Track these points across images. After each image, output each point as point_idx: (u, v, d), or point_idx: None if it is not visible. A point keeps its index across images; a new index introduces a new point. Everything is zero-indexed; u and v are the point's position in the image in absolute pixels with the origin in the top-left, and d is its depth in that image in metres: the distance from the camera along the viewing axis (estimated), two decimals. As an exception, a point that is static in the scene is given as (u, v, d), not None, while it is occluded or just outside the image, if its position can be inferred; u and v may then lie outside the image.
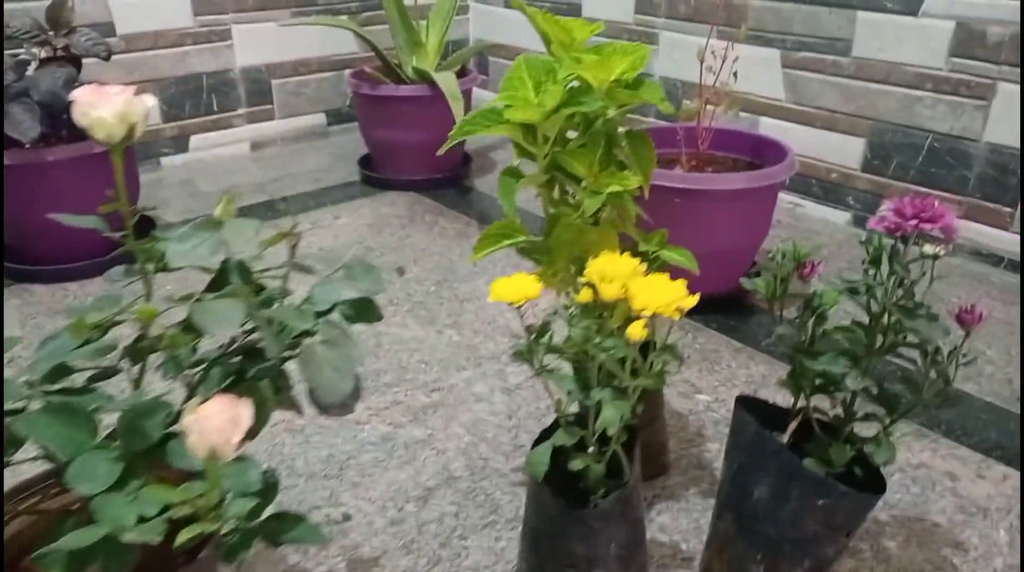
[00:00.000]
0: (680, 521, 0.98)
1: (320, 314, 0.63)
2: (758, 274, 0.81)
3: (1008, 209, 1.56)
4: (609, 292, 0.71)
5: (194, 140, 2.22)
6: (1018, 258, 1.57)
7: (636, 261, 0.75)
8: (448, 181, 2.05)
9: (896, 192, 1.71)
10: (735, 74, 1.39)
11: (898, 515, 0.99)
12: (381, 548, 0.94)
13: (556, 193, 0.92)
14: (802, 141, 1.84)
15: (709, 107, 1.44)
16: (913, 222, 0.68)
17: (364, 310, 0.68)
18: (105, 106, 0.62)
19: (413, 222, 1.85)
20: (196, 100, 2.19)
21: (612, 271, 0.73)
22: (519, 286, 0.73)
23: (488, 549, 0.94)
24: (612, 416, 0.70)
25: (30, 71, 1.44)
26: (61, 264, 1.54)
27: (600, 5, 2.20)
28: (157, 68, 2.10)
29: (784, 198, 1.94)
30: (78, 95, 0.60)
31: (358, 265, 0.67)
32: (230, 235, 0.61)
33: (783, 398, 1.19)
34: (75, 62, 1.46)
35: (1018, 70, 1.48)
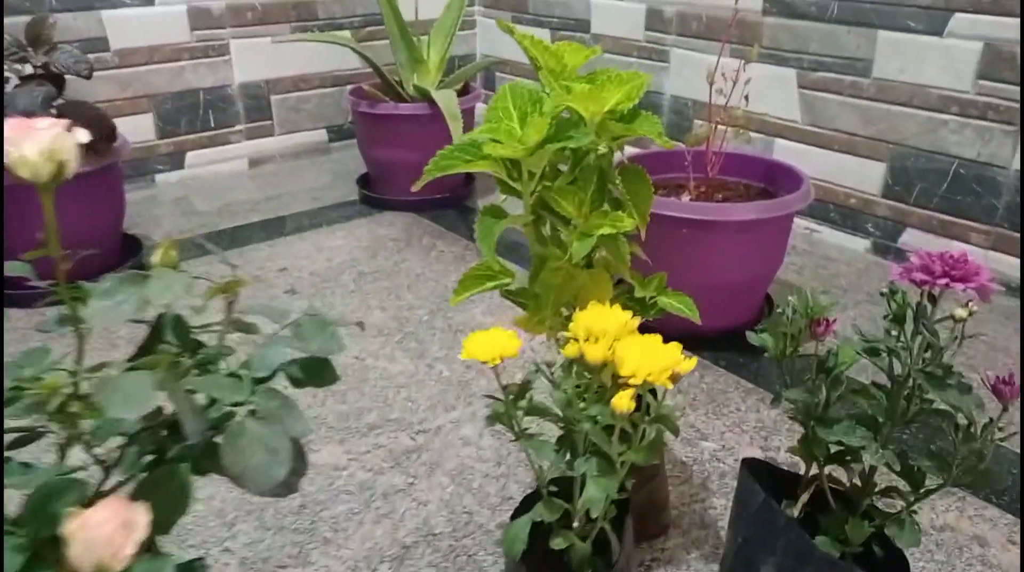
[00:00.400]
0: (680, 590, 0.90)
1: (260, 381, 0.55)
2: (764, 329, 0.73)
3: (1039, 240, 1.46)
4: (594, 354, 0.63)
5: (190, 157, 2.17)
6: (1050, 293, 1.47)
7: (627, 315, 0.67)
8: (448, 202, 1.98)
9: (919, 220, 1.62)
10: (746, 97, 1.31)
11: (921, 587, 0.90)
12: (350, 616, 0.86)
13: (546, 230, 0.84)
14: (819, 164, 1.75)
15: (720, 130, 1.36)
16: (943, 281, 0.59)
17: (316, 371, 0.60)
18: (28, 143, 0.55)
19: (410, 245, 1.77)
20: (193, 116, 2.13)
21: (599, 327, 0.65)
22: (495, 342, 0.65)
23: (467, 620, 0.86)
24: (596, 495, 0.62)
25: (8, 89, 1.38)
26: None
27: (609, 21, 2.12)
28: (152, 83, 2.05)
29: (799, 223, 1.85)
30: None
31: (309, 322, 0.60)
32: (155, 292, 0.53)
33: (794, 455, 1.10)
34: (56, 80, 1.40)
35: (1051, 93, 1.38)
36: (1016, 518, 1.00)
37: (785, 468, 0.80)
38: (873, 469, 0.71)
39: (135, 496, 0.51)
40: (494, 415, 0.68)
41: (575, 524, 0.70)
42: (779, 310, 0.71)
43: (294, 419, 0.54)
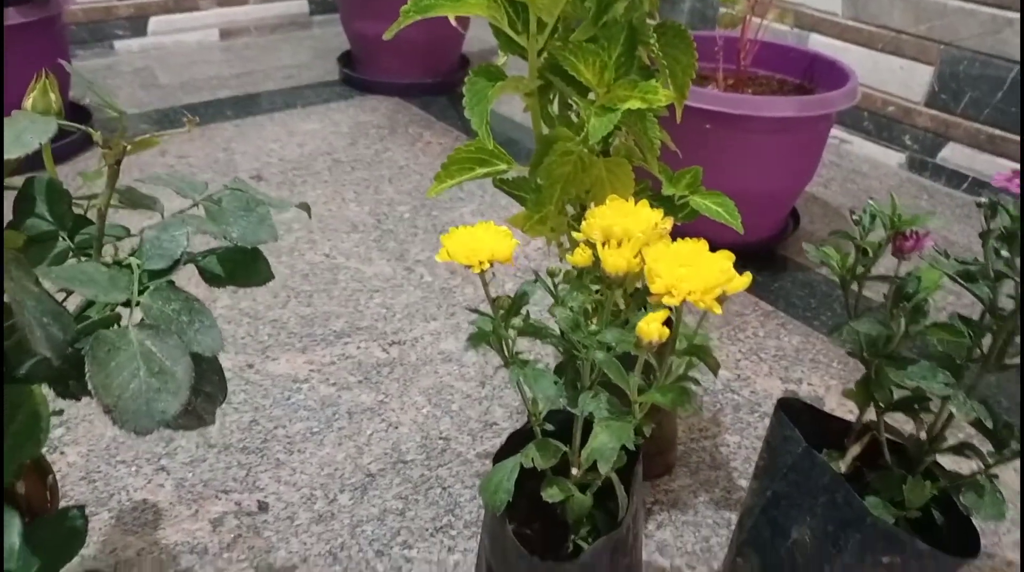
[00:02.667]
0: (685, 539, 0.78)
1: (155, 275, 0.40)
2: (824, 242, 0.57)
3: (1101, 162, 1.30)
4: (616, 262, 0.47)
5: (153, 23, 1.94)
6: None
7: (657, 215, 0.51)
8: (440, 87, 1.77)
9: (964, 134, 1.44)
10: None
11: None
12: (300, 553, 0.73)
13: (554, 107, 0.67)
14: (858, 65, 1.55)
15: (755, 15, 1.17)
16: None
17: (241, 266, 0.45)
18: None
19: (394, 133, 1.59)
20: (155, -26, 1.90)
21: (622, 227, 0.50)
22: (482, 241, 0.49)
23: (437, 564, 0.73)
24: (608, 445, 0.48)
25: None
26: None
27: None
28: (107, -68, 1.80)
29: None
30: None
31: (231, 199, 0.43)
32: (9, 139, 0.37)
33: (821, 382, 0.97)
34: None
35: None
36: (1066, 472, 0.88)
37: (828, 412, 0.67)
38: (948, 422, 0.57)
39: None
40: (478, 334, 0.53)
41: (574, 470, 0.56)
42: (854, 216, 0.55)
43: (200, 328, 0.39)
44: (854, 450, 0.61)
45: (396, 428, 0.88)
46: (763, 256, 1.23)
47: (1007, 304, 0.52)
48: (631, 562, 0.59)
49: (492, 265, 0.50)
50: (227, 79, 1.82)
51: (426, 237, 1.25)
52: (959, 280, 0.52)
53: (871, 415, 0.61)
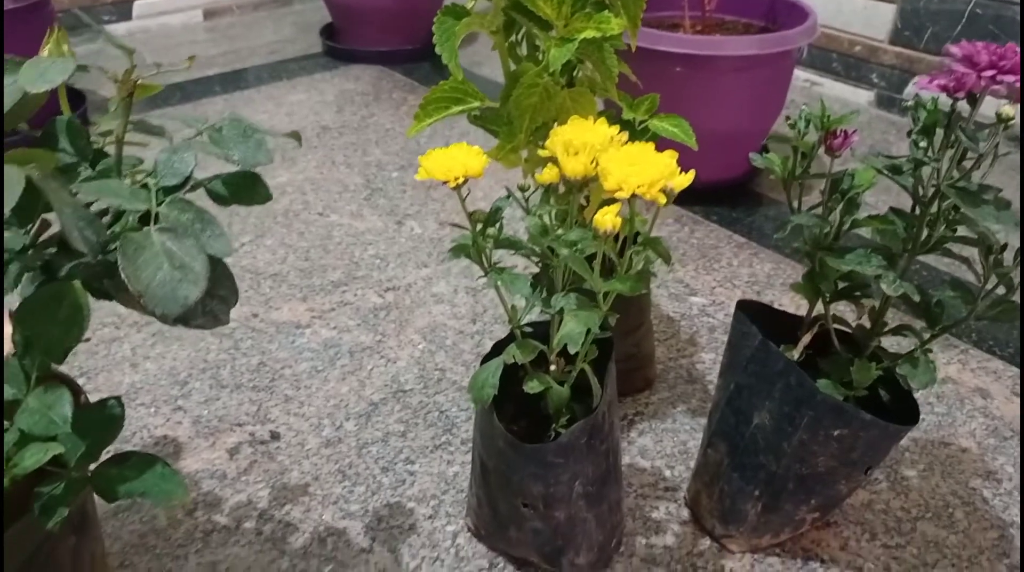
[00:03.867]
0: (664, 444, 0.84)
1: (170, 191, 0.46)
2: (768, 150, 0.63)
3: (1057, 87, 1.35)
4: (574, 167, 0.53)
5: (138, 6, 1.98)
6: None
7: (614, 130, 0.57)
8: (422, 53, 1.82)
9: (928, 69, 1.50)
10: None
11: (920, 438, 0.85)
12: (312, 473, 0.80)
13: (522, 50, 0.73)
14: (823, 7, 1.60)
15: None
16: (990, 73, 0.49)
17: (243, 187, 0.51)
18: None
19: (378, 100, 1.64)
20: (136, -42, 1.93)
21: (581, 140, 0.56)
22: (456, 159, 0.55)
23: (438, 476, 0.80)
24: (575, 330, 0.54)
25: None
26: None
27: None
28: (87, -82, 1.83)
29: (799, 75, 1.72)
30: None
31: (230, 127, 0.49)
32: (28, 78, 0.42)
33: (792, 302, 1.03)
34: None
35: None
36: (1020, 370, 0.94)
37: (782, 310, 0.73)
38: (885, 306, 0.63)
39: (19, 318, 0.42)
40: (458, 246, 0.59)
41: (552, 367, 0.63)
42: (788, 121, 0.61)
43: (212, 235, 0.45)
44: (805, 339, 0.67)
45: (394, 363, 0.95)
46: (736, 192, 1.29)
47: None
48: (608, 448, 0.65)
49: (466, 180, 0.56)
50: (214, 57, 1.86)
51: (414, 193, 1.31)
52: (885, 172, 0.58)
53: (821, 309, 0.67)
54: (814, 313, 0.68)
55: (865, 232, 0.63)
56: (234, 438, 0.84)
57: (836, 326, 0.67)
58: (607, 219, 0.50)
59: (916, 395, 0.64)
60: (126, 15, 1.97)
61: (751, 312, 0.70)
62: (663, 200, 0.50)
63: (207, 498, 0.77)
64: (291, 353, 0.96)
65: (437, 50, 0.63)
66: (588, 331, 0.54)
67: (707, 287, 1.09)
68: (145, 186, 0.46)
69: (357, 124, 1.53)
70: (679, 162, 0.51)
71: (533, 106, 0.69)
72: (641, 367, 0.91)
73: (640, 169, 0.50)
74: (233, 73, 1.76)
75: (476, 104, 0.72)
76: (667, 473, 0.81)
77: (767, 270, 1.12)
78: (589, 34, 0.63)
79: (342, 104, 1.61)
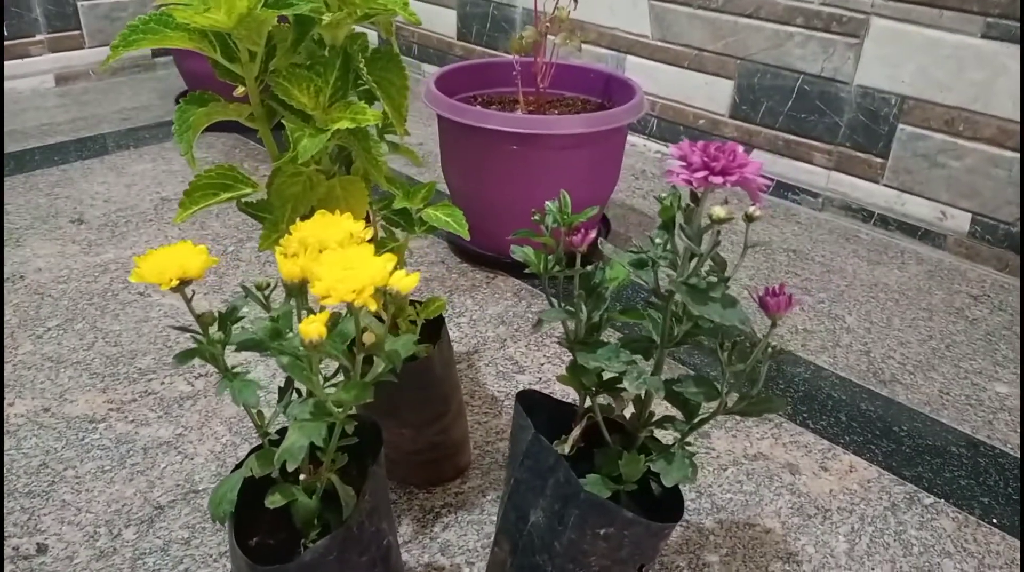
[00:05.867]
0: (468, 538, 0.81)
1: None
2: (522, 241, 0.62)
3: (879, 160, 1.43)
4: (289, 270, 0.51)
5: (-21, 71, 1.88)
6: (888, 214, 1.45)
7: (358, 225, 0.55)
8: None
9: (765, 140, 1.56)
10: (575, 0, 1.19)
11: (726, 520, 0.84)
12: (76, 592, 0.73)
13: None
14: (670, 83, 1.66)
15: (551, 39, 1.24)
16: (701, 174, 0.50)
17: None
18: None
19: (228, 170, 1.59)
20: (-23, 22, 1.85)
21: (317, 238, 0.53)
22: (172, 260, 0.52)
23: (217, 587, 0.74)
24: (296, 445, 0.50)
25: None
26: None
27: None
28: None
29: (651, 146, 1.77)
30: None
31: None
32: None
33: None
34: None
35: (893, 3, 1.33)
36: (831, 443, 0.96)
37: (569, 401, 0.72)
38: (648, 398, 0.63)
39: None
40: (186, 353, 0.55)
41: (301, 476, 0.59)
42: (535, 217, 0.60)
43: None
44: (575, 432, 0.65)
45: (191, 459, 0.89)
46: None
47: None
48: (373, 559, 0.61)
49: (183, 282, 0.52)
50: (60, 124, 1.78)
51: (248, 268, 1.26)
52: (630, 268, 0.57)
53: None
54: (587, 404, 0.67)
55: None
56: (-7, 554, 0.76)
57: (611, 418, 0.66)
58: (312, 329, 0.47)
59: (691, 487, 0.63)
60: (-34, 80, 1.87)
61: (532, 403, 0.69)
62: (374, 306, 0.48)
63: (-56, 628, 0.69)
64: (78, 452, 0.89)
65: (175, 140, 0.60)
66: (330, 440, 0.51)
67: (536, 364, 1.07)
68: None
69: (200, 196, 1.48)
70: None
71: (295, 195, 0.66)
72: (451, 455, 0.87)
73: (352, 274, 0.48)
74: (77, 141, 1.69)
75: (247, 191, 0.69)
76: (466, 571, 0.77)
77: (598, 345, 1.11)
78: (343, 125, 0.61)
79: (188, 175, 1.56)
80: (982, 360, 1.12)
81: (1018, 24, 1.20)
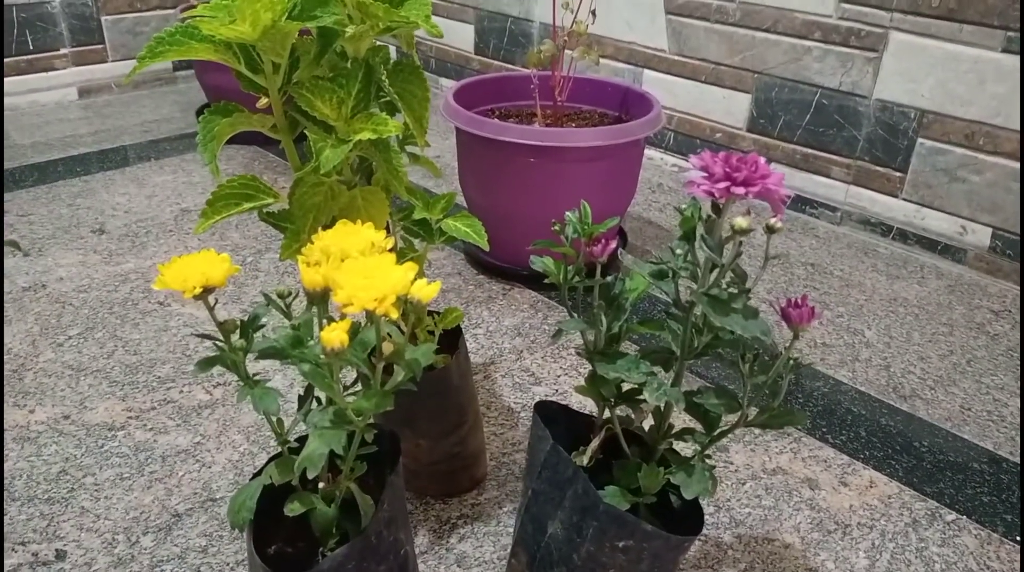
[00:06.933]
0: (485, 549, 0.80)
1: None
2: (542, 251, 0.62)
3: (898, 174, 1.42)
4: (312, 279, 0.51)
5: (7, 83, 1.91)
6: (907, 228, 1.44)
7: (379, 235, 0.55)
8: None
9: (782, 154, 1.56)
10: (593, 12, 1.19)
11: (744, 534, 0.83)
12: (94, 599, 0.73)
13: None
14: (687, 97, 1.67)
15: (568, 53, 1.25)
16: (723, 185, 0.50)
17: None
18: None
19: (247, 182, 1.60)
20: (7, 37, 1.88)
21: (339, 247, 0.53)
22: (197, 268, 0.52)
23: (234, 596, 0.74)
24: (316, 453, 0.51)
25: None
26: None
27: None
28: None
29: (667, 160, 1.77)
30: None
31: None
32: None
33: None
34: None
35: (912, 17, 1.32)
36: (850, 458, 0.95)
37: (587, 412, 0.71)
38: (667, 410, 0.62)
39: None
40: (208, 360, 0.55)
41: (321, 484, 0.59)
42: (554, 227, 0.60)
43: None
44: (594, 444, 0.65)
45: (209, 468, 0.89)
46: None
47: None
48: (391, 569, 0.61)
49: (207, 290, 0.53)
50: (82, 136, 1.81)
51: (267, 279, 1.27)
52: (650, 279, 0.57)
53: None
54: (605, 415, 0.66)
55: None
56: (14, 560, 0.77)
57: (631, 429, 0.65)
58: (333, 337, 0.47)
59: (711, 499, 0.62)
60: (-8, 93, 1.90)
61: (550, 414, 0.68)
62: (395, 314, 0.48)
63: (-36, 633, 0.69)
64: (98, 459, 0.89)
65: (199, 150, 0.61)
66: (349, 448, 0.51)
67: (552, 376, 1.07)
68: None
69: (219, 207, 1.49)
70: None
71: (316, 206, 0.67)
72: (468, 466, 0.87)
73: (373, 282, 0.48)
74: (99, 153, 1.71)
75: (268, 201, 0.70)
76: (482, 583, 0.77)
77: (615, 357, 1.11)
78: (365, 135, 0.62)
79: (208, 186, 1.57)
80: (1004, 376, 1.11)
81: (1039, 38, 1.20)
